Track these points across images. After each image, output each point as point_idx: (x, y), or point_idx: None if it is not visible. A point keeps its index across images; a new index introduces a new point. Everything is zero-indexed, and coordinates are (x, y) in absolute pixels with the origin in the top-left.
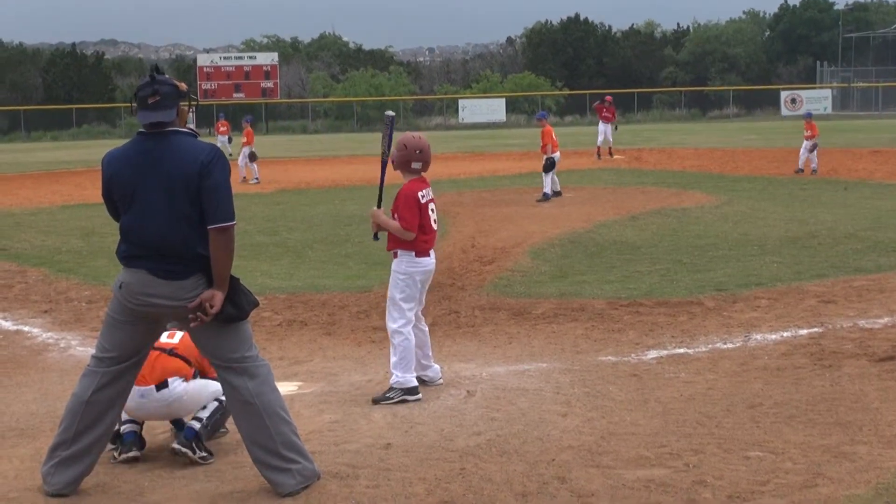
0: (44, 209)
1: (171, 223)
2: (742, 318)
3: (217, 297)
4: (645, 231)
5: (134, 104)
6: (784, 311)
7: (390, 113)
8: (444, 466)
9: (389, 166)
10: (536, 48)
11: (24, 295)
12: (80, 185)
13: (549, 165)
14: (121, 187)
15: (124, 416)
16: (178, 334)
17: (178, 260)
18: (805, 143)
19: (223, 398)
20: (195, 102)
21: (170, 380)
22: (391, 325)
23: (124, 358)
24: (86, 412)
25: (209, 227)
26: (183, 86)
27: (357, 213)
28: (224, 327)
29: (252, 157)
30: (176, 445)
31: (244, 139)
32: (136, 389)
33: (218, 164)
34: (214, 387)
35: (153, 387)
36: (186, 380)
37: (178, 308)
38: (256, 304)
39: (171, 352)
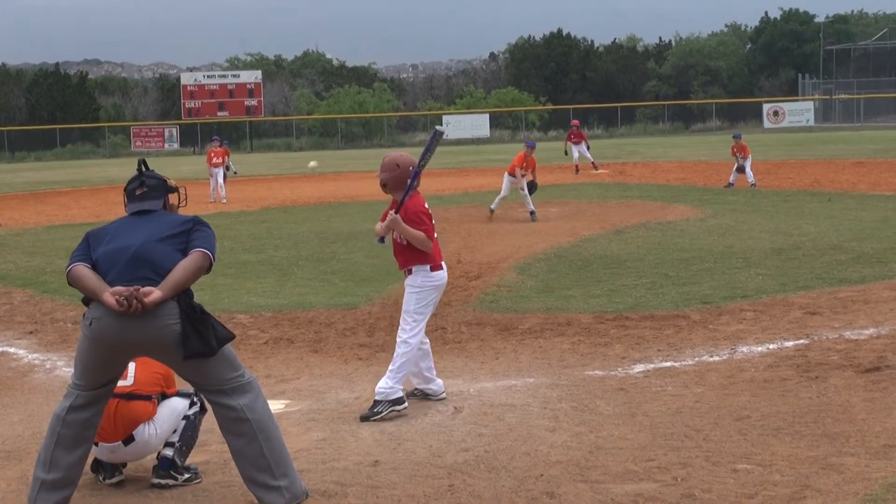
0: (28, 230)
1: (156, 242)
2: (728, 331)
3: (155, 294)
4: (630, 245)
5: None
6: (770, 323)
7: (440, 128)
8: (433, 483)
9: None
10: (519, 64)
11: (10, 316)
12: (64, 205)
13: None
14: (104, 233)
15: None
16: (131, 370)
17: (153, 285)
18: (739, 162)
19: (190, 413)
20: (184, 203)
21: (136, 432)
22: (402, 335)
23: (97, 386)
24: (62, 432)
25: (192, 250)
26: (172, 182)
27: (343, 231)
28: (205, 359)
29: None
30: (155, 480)
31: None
32: (104, 445)
33: (208, 224)
34: (179, 407)
35: (120, 443)
36: (152, 414)
37: (151, 342)
38: (229, 339)
39: (129, 396)
